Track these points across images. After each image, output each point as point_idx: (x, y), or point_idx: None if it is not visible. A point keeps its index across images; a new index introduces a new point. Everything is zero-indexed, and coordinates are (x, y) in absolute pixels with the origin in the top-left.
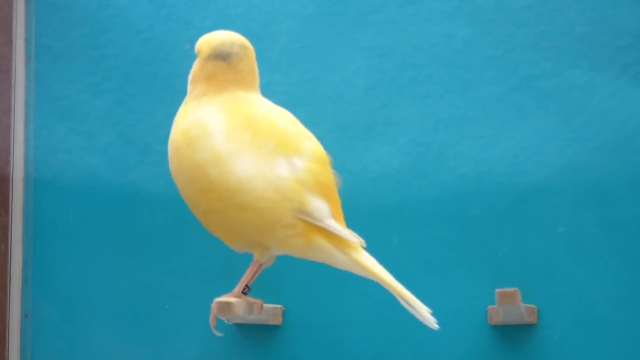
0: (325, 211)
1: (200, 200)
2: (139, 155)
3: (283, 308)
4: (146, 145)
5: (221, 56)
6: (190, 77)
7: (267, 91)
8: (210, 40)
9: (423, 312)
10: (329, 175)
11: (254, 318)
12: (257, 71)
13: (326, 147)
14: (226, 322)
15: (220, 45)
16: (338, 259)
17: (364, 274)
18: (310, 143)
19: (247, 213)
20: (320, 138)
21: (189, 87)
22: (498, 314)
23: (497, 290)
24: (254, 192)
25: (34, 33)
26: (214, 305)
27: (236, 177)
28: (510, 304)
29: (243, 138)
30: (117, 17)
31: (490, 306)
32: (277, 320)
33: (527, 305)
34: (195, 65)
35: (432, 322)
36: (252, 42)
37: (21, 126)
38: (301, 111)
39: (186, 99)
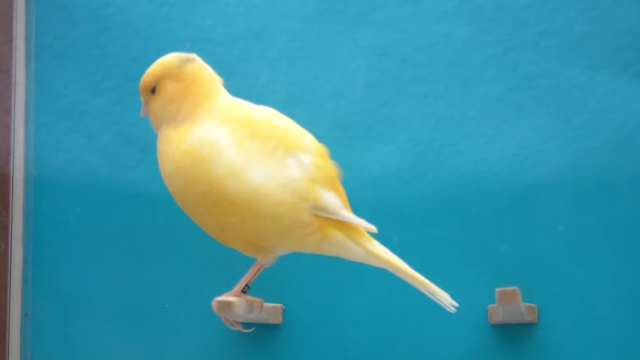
0: (339, 203)
1: (214, 216)
2: (139, 154)
3: (283, 307)
4: (146, 144)
5: (189, 59)
6: (170, 103)
7: (267, 90)
8: (163, 62)
9: (441, 296)
10: (333, 167)
11: (254, 317)
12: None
13: (326, 145)
14: (243, 330)
15: (177, 56)
16: (352, 251)
17: (378, 264)
18: (308, 138)
19: (265, 220)
20: (320, 137)
21: (171, 111)
22: (498, 312)
23: (497, 289)
24: (271, 197)
25: (34, 32)
26: (214, 305)
27: (253, 186)
28: (510, 303)
29: (252, 146)
30: (117, 16)
31: (490, 305)
32: (278, 319)
33: (527, 304)
34: (170, 89)
35: (451, 305)
36: (252, 40)
37: (21, 125)
38: (301, 110)
39: (171, 124)
